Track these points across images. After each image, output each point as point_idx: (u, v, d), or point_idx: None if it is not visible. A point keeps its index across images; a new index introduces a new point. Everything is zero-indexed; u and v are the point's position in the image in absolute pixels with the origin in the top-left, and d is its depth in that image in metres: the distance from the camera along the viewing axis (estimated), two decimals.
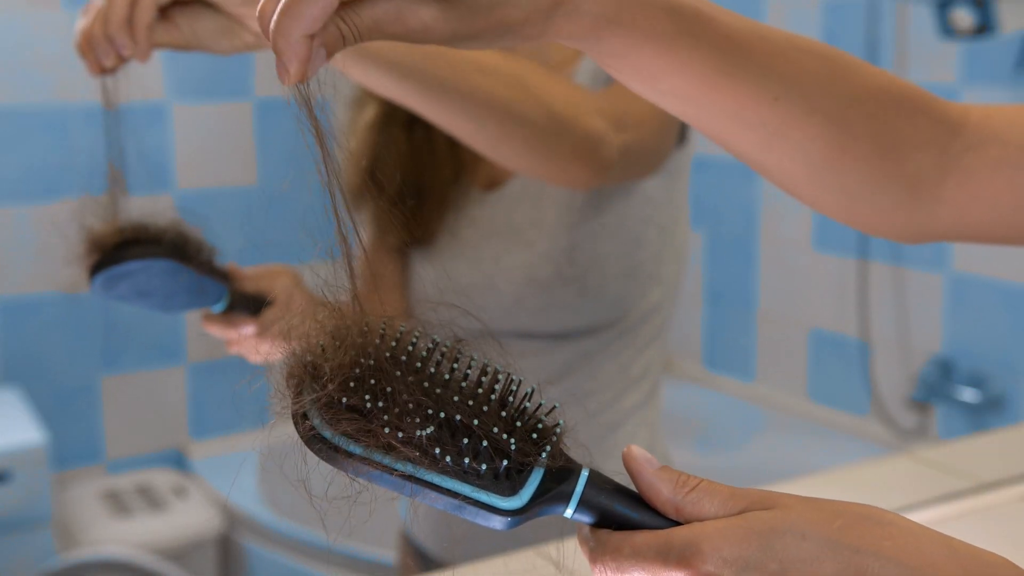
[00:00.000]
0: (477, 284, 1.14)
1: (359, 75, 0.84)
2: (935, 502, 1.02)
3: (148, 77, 2.27)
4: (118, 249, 0.89)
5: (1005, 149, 0.59)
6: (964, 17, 1.83)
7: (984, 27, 1.81)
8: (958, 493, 1.04)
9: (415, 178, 1.15)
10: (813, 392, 2.46)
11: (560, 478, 0.45)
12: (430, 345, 0.46)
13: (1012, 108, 0.61)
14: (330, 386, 0.44)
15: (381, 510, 0.48)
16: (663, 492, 0.46)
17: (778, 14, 2.46)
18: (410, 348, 0.45)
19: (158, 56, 0.91)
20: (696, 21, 0.52)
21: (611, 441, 1.17)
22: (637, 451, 0.47)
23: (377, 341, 0.45)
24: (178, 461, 2.45)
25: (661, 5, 0.51)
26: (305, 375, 0.45)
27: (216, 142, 2.43)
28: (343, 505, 0.46)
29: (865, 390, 2.29)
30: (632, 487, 0.47)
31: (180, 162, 2.37)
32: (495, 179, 1.16)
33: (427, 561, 1.21)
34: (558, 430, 0.46)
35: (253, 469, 2.28)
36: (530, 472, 0.45)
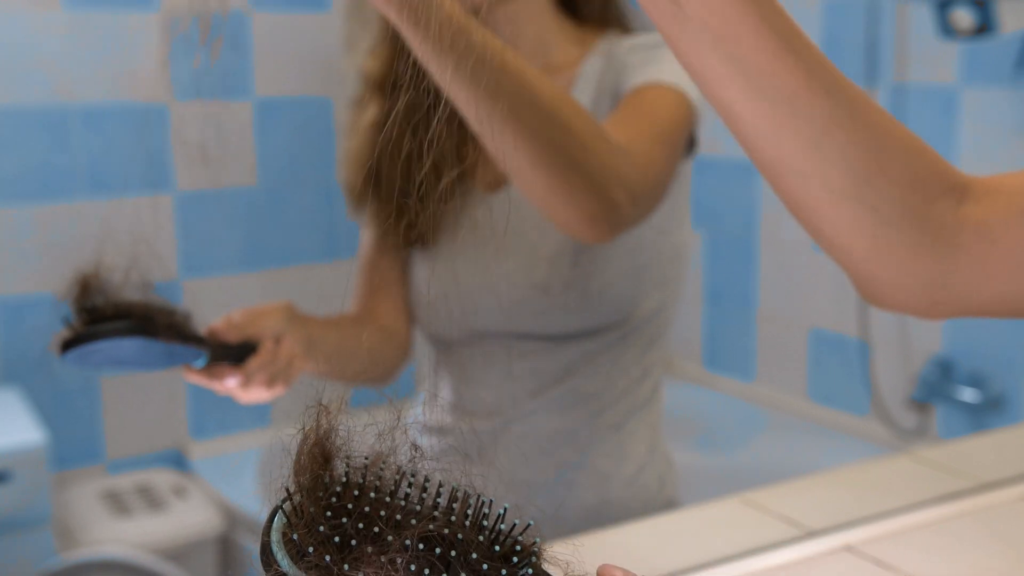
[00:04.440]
0: (479, 286, 1.14)
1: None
2: (935, 502, 1.02)
3: (148, 77, 2.27)
4: (88, 326, 0.96)
5: (1011, 197, 0.61)
6: (964, 17, 1.82)
7: (984, 27, 1.81)
8: (958, 493, 1.04)
9: (417, 179, 1.14)
10: (813, 392, 2.46)
11: None
12: (396, 475, 0.45)
13: (1009, 173, 0.64)
14: (297, 533, 0.43)
15: None
16: None
17: None
18: (377, 481, 0.44)
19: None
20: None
21: (613, 441, 1.17)
22: (612, 569, 0.46)
23: (343, 477, 0.44)
24: (178, 461, 2.45)
25: None
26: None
27: (216, 142, 2.43)
28: None
29: (865, 390, 2.29)
30: None
31: (180, 162, 2.37)
32: (498, 181, 1.16)
33: None
34: (535, 549, 0.44)
35: (253, 469, 2.28)
36: None
